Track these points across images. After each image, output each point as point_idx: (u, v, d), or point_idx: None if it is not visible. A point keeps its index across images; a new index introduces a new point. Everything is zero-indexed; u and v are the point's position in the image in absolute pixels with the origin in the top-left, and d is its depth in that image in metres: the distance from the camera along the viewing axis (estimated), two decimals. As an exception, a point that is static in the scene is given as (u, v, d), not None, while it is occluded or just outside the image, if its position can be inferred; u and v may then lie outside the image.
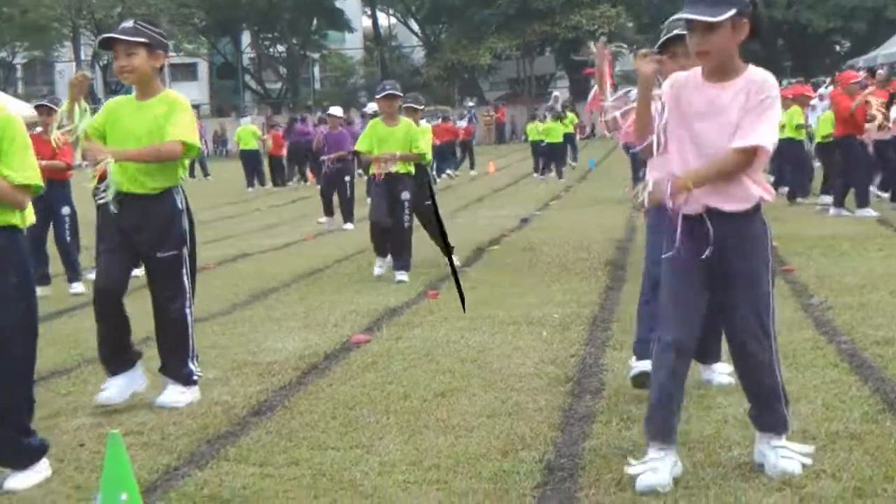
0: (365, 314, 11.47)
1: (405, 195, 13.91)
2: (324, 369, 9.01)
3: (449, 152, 37.64)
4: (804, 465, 5.87)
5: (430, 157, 15.44)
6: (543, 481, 6.04)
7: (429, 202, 14.47)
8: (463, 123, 36.78)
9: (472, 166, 40.67)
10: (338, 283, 14.06)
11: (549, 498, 5.80)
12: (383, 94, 14.10)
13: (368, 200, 16.83)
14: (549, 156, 35.39)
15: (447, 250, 14.72)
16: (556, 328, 10.20)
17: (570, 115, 38.61)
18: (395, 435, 6.97)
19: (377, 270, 14.27)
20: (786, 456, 5.85)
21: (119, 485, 5.22)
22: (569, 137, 36.75)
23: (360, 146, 14.32)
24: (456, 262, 14.86)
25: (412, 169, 14.21)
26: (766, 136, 5.64)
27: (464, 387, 8.13)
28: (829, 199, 20.27)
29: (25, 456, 6.33)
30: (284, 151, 39.19)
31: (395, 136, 13.94)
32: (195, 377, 8.13)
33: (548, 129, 35.09)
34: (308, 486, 6.08)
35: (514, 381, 8.25)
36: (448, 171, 36.63)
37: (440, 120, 38.45)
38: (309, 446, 6.81)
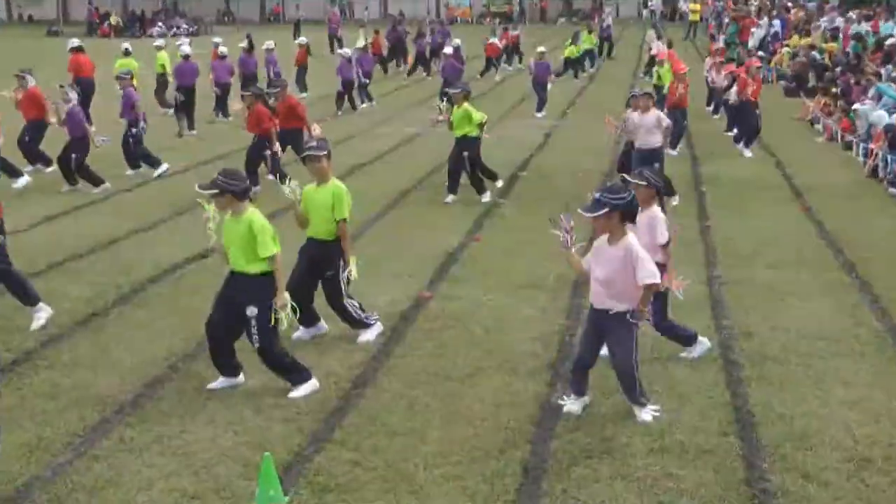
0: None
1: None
2: (401, 333, 9.30)
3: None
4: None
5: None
6: (522, 482, 6.40)
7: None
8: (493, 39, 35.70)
9: (520, 60, 39.28)
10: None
11: (523, 502, 6.19)
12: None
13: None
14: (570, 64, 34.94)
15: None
16: (549, 294, 10.36)
17: (587, 36, 37.52)
18: (438, 422, 7.28)
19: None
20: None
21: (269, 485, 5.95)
22: (587, 52, 36.42)
23: None
24: (486, 198, 15.11)
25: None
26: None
27: (485, 366, 8.35)
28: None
29: None
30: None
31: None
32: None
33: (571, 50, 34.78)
34: (382, 479, 6.42)
35: (517, 362, 8.47)
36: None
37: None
38: (384, 432, 7.10)
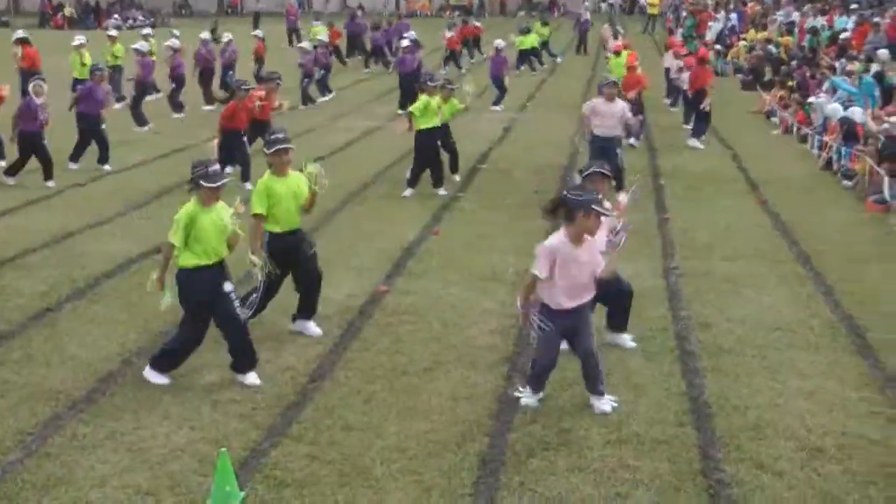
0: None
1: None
2: (358, 327, 9.24)
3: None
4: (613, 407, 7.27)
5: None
6: (479, 475, 6.40)
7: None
8: (450, 33, 35.58)
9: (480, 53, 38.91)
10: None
11: (480, 495, 6.21)
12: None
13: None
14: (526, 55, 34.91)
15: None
16: (509, 287, 10.33)
17: (540, 29, 37.52)
18: (395, 416, 7.26)
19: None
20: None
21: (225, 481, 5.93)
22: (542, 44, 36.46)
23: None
24: (442, 191, 15.10)
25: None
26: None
27: (443, 361, 8.35)
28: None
29: None
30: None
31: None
32: None
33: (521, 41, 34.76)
34: (339, 473, 6.40)
35: (475, 356, 8.47)
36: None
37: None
38: (341, 426, 7.08)
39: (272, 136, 8.78)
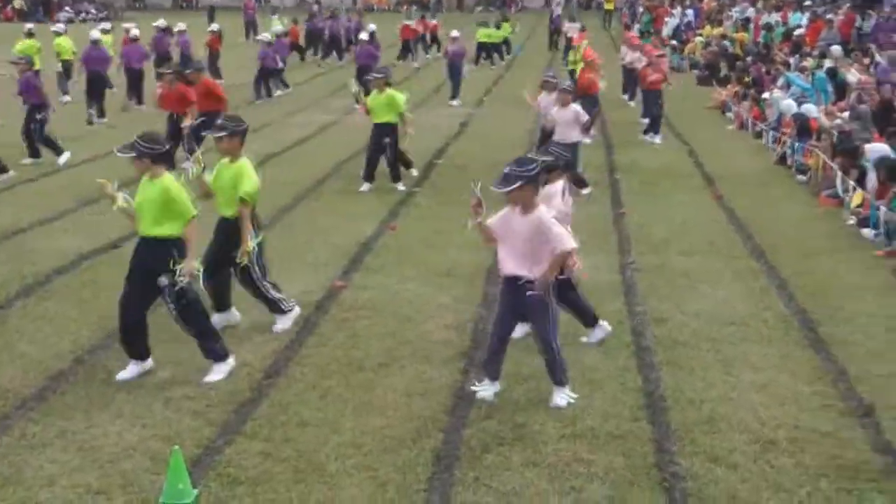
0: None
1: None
2: (314, 323, 9.21)
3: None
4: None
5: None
6: (434, 471, 6.38)
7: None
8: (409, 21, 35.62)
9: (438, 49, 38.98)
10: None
11: (435, 490, 6.19)
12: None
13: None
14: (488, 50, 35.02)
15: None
16: (466, 283, 10.38)
17: (505, 25, 37.70)
18: (350, 412, 7.23)
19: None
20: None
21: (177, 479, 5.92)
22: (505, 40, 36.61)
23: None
24: (402, 186, 15.08)
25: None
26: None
27: (399, 356, 8.32)
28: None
29: None
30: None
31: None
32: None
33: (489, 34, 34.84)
34: (294, 469, 6.36)
35: (431, 351, 8.45)
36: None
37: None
38: (296, 423, 7.03)
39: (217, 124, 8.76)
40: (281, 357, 8.40)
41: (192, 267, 7.64)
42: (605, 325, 8.72)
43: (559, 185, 8.20)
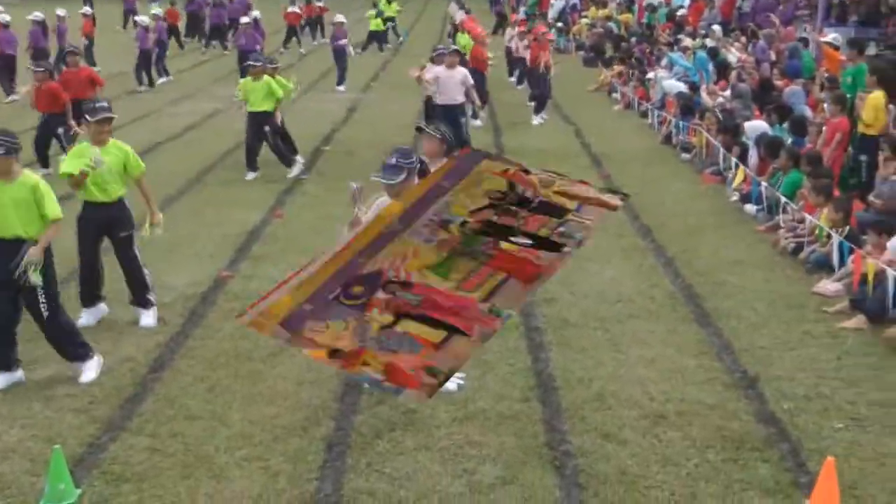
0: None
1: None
2: (201, 314, 9.12)
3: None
4: None
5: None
6: (326, 459, 6.39)
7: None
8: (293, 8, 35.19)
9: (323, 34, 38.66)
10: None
11: (326, 478, 6.17)
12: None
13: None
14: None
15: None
16: None
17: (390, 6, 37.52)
18: (239, 403, 7.16)
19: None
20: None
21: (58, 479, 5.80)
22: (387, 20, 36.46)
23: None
24: (295, 172, 15.00)
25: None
26: None
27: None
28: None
29: None
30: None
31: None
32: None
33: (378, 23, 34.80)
34: (182, 464, 6.27)
35: None
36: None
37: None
38: (184, 416, 6.94)
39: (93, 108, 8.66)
40: (166, 350, 8.26)
41: (39, 257, 7.42)
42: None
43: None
